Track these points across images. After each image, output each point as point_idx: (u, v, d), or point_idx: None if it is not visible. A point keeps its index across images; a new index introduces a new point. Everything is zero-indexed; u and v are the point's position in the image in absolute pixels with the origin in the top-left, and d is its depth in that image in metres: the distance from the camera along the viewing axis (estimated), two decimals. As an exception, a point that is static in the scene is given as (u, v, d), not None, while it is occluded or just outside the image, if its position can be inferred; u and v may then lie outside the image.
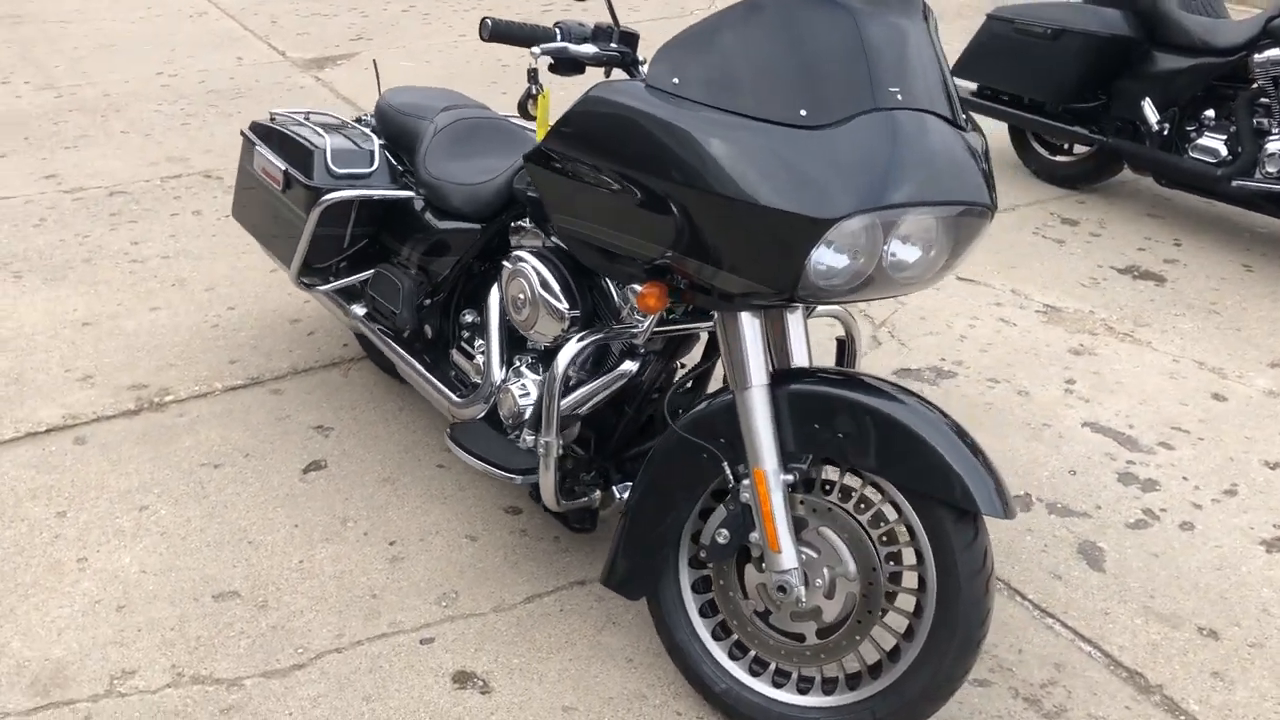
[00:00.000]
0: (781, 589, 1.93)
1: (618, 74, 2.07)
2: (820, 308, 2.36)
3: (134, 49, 6.45)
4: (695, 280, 1.93)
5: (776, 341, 2.09)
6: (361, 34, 6.88)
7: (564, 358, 2.08)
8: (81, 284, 3.72)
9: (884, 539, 1.98)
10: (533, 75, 2.06)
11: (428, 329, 2.71)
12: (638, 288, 2.04)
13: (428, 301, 2.69)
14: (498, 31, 2.07)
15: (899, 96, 1.80)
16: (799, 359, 2.09)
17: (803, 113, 1.74)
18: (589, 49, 2.02)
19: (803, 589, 1.93)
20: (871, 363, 3.31)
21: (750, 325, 1.96)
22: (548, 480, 2.14)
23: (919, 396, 1.96)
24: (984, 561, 1.90)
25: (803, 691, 2.06)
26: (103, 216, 4.26)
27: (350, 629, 2.32)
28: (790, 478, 1.94)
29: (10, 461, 2.82)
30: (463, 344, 2.66)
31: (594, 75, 2.10)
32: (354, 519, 2.64)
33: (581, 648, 2.28)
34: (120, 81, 5.88)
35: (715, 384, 2.31)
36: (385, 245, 2.89)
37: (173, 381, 3.18)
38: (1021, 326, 3.59)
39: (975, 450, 1.90)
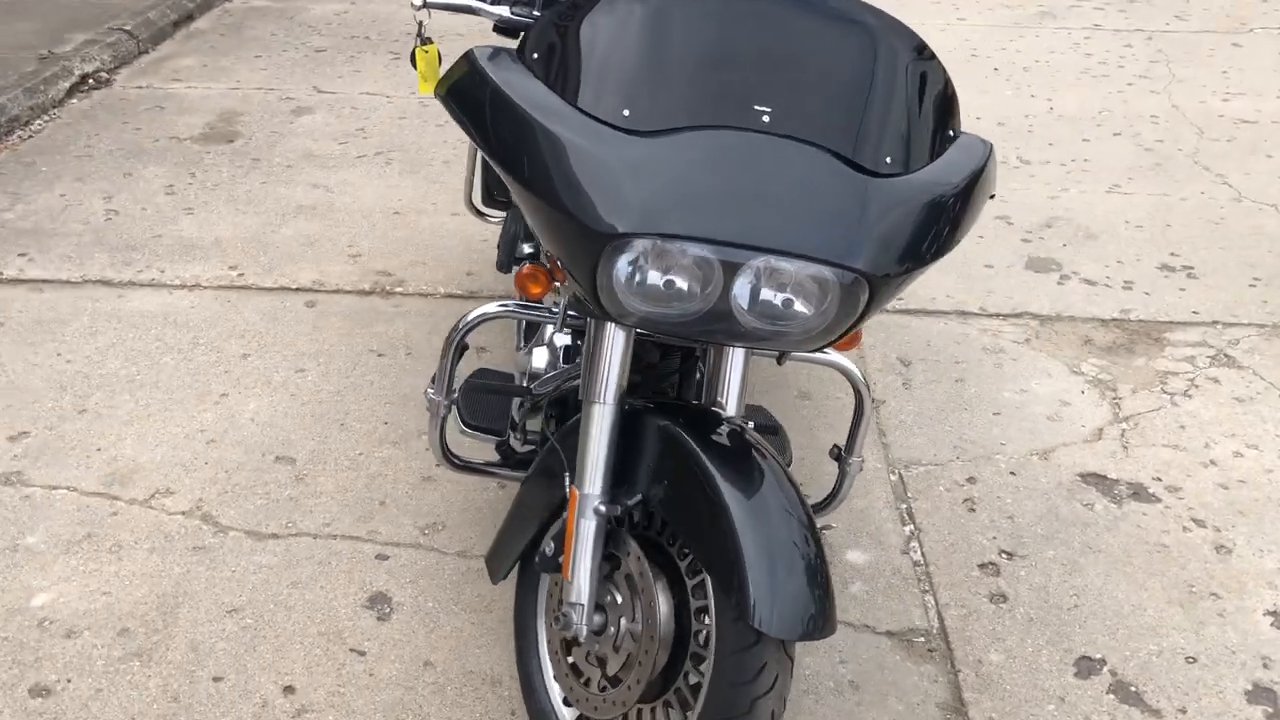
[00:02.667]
0: (559, 620, 1.79)
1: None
2: (816, 356, 2.08)
3: None
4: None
5: (710, 378, 1.90)
6: (861, 3, 6.79)
7: (462, 320, 2.06)
8: (424, 181, 4.23)
9: (699, 612, 1.75)
10: (420, 28, 2.02)
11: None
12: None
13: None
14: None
15: (764, 118, 1.54)
16: (723, 400, 1.88)
17: (625, 113, 1.55)
18: (499, 9, 1.93)
19: (583, 628, 1.77)
20: (1068, 456, 2.78)
21: (615, 340, 1.79)
22: (432, 436, 2.14)
23: (782, 475, 1.69)
24: (756, 676, 1.62)
25: (582, 727, 1.90)
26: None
27: (339, 523, 2.51)
28: (615, 509, 1.77)
29: (251, 306, 3.37)
30: None
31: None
32: (425, 436, 2.81)
33: (492, 619, 2.27)
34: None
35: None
36: None
37: (412, 276, 3.55)
38: (1319, 475, 2.78)
39: (794, 555, 1.60)
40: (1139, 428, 2.90)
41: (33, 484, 2.60)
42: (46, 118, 4.71)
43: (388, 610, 2.28)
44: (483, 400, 2.32)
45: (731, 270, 1.54)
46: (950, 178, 1.66)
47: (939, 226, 1.62)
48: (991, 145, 1.79)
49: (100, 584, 2.32)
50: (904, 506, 2.60)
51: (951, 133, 1.74)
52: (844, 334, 1.65)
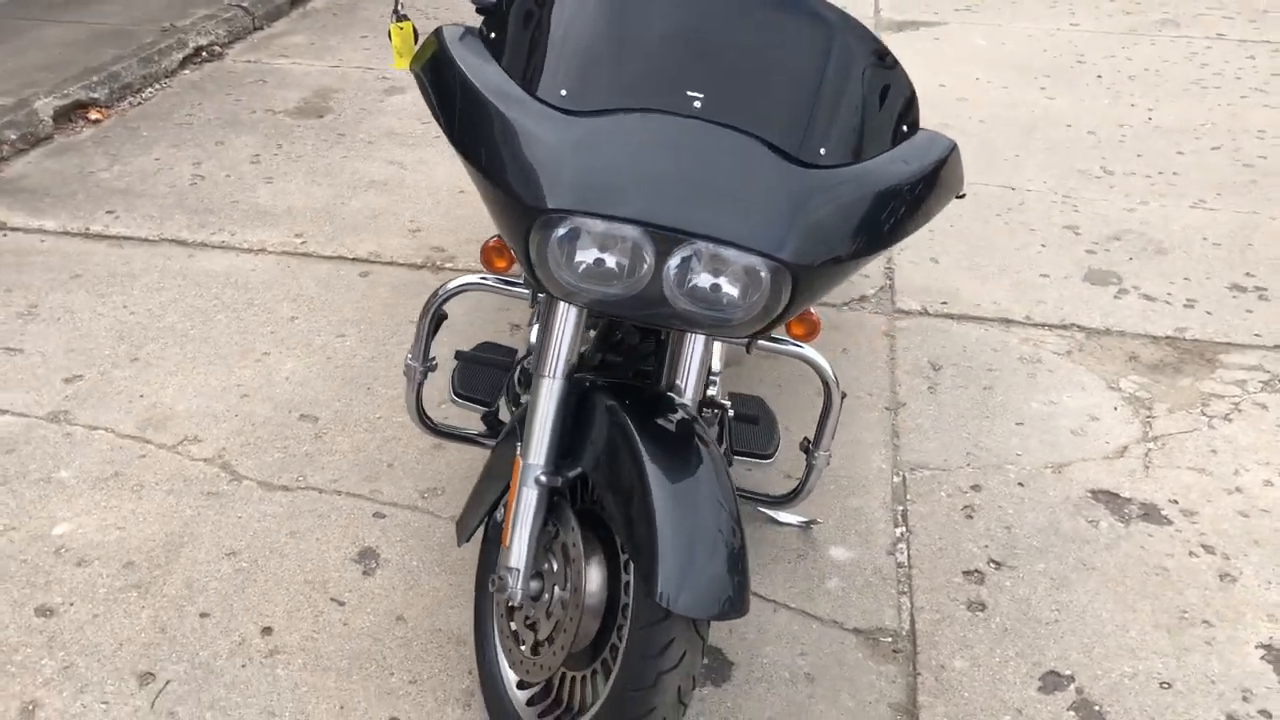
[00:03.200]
0: (494, 582, 1.85)
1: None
2: (786, 349, 2.09)
3: None
4: None
5: (670, 362, 1.94)
6: (972, 5, 6.66)
7: (439, 290, 2.12)
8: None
9: (628, 586, 1.79)
10: (397, 4, 2.08)
11: None
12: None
13: None
14: None
15: (696, 104, 1.57)
16: (682, 384, 1.92)
17: (563, 93, 1.60)
18: None
19: (518, 593, 1.82)
20: (1084, 471, 2.71)
21: (566, 317, 1.84)
22: (409, 400, 2.22)
23: (715, 463, 1.72)
24: (663, 651, 1.65)
25: (521, 687, 1.96)
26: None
27: (346, 480, 2.62)
28: (555, 480, 1.82)
29: (308, 272, 3.52)
30: None
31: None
32: (447, 407, 2.90)
33: (469, 581, 2.35)
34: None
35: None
36: None
37: (464, 253, 3.66)
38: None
39: (711, 539, 1.63)
40: (1166, 448, 2.81)
41: (76, 423, 2.79)
42: (158, 86, 4.99)
43: (374, 565, 2.38)
44: (477, 371, 2.39)
45: (662, 254, 1.58)
46: (891, 173, 1.66)
47: (872, 221, 1.62)
48: (953, 144, 1.78)
49: (117, 519, 2.48)
50: (900, 508, 2.58)
51: (905, 128, 1.73)
52: (775, 322, 1.66)
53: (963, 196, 2.07)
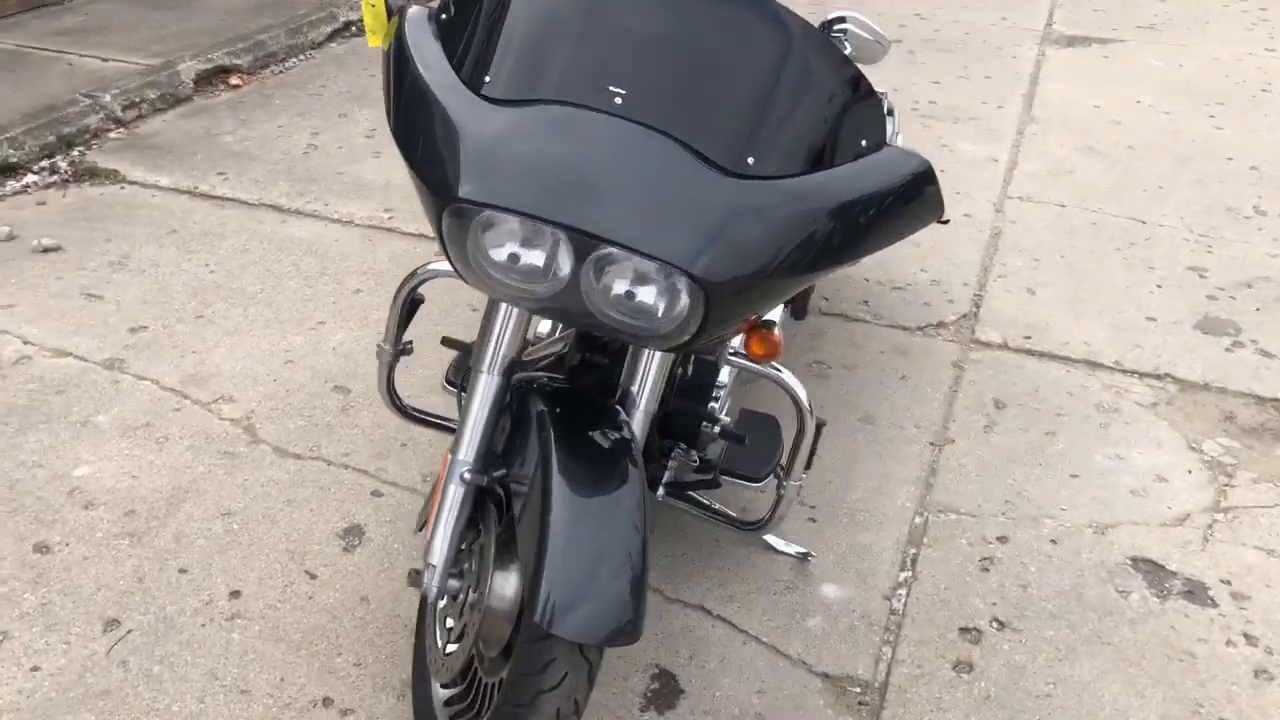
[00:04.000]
0: (412, 575, 1.81)
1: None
2: (760, 370, 1.97)
3: None
4: None
5: (629, 370, 1.86)
6: (1156, 23, 6.21)
7: (413, 275, 2.08)
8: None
9: None
10: None
11: None
12: None
13: None
14: None
15: (617, 100, 1.48)
16: (637, 394, 1.83)
17: (487, 79, 1.54)
18: None
19: (433, 589, 1.77)
20: (1131, 536, 2.46)
21: (509, 313, 1.77)
22: (380, 383, 2.20)
23: (632, 485, 1.63)
24: (543, 670, 1.58)
25: (444, 685, 1.92)
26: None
27: (356, 455, 2.64)
28: (480, 479, 1.77)
29: (387, 248, 3.58)
30: None
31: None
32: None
33: (444, 570, 2.32)
34: (873, 12, 6.18)
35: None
36: None
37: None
38: None
39: (608, 561, 1.55)
40: (1236, 522, 2.52)
41: (127, 372, 2.91)
42: (302, 57, 5.18)
43: (356, 543, 2.38)
44: (465, 360, 2.36)
45: (580, 255, 1.50)
46: (832, 189, 1.52)
47: (804, 238, 1.50)
48: (924, 163, 1.62)
49: (134, 468, 2.57)
50: (912, 551, 2.40)
51: (864, 143, 1.59)
52: (699, 336, 1.55)
53: (945, 222, 1.91)
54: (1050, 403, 2.92)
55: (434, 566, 1.77)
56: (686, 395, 2.15)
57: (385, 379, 2.18)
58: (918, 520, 2.50)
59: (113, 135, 4.28)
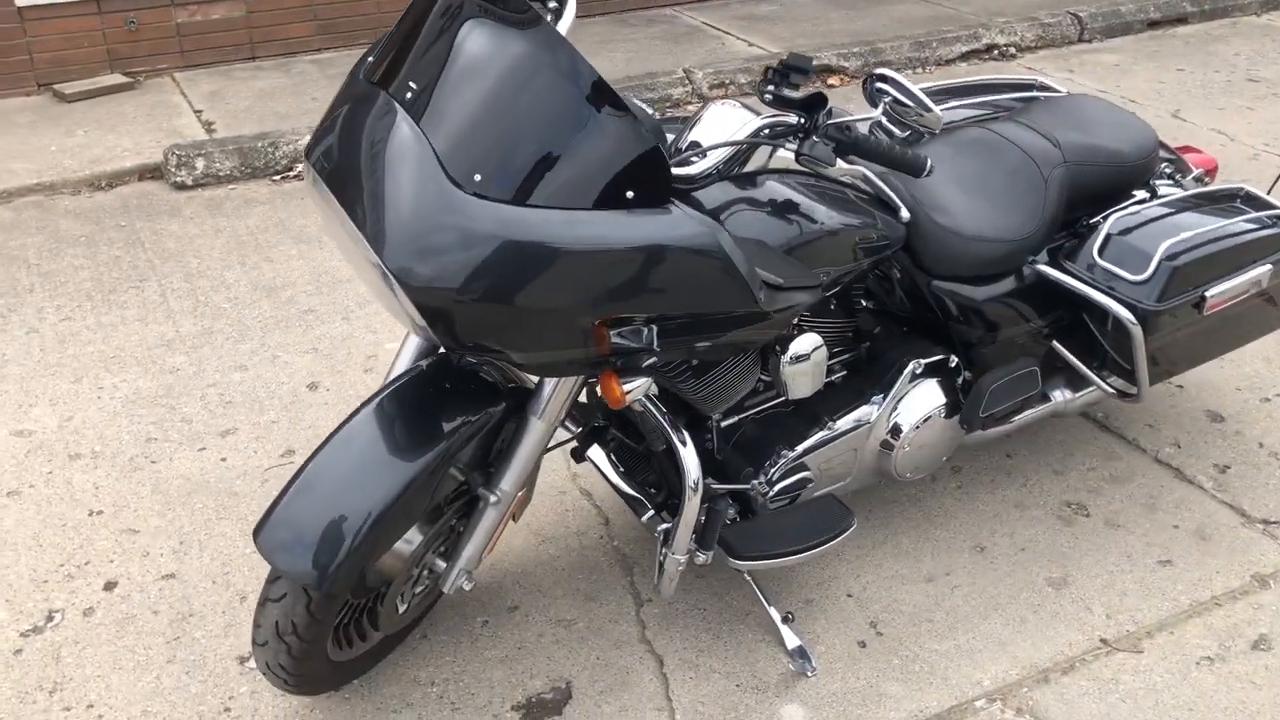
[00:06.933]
0: None
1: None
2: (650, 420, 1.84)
3: None
4: None
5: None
6: None
7: None
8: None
9: None
10: None
11: None
12: None
13: None
14: None
15: (408, 94, 1.57)
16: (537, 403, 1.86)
17: (369, 60, 1.70)
18: None
19: None
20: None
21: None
22: None
23: (426, 453, 1.74)
24: (273, 582, 1.77)
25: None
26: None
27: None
28: None
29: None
30: None
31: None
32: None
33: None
34: None
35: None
36: None
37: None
38: None
39: (335, 516, 1.70)
40: None
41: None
42: (919, 71, 5.21)
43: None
44: None
45: None
46: (556, 229, 1.46)
47: (518, 268, 1.46)
48: (711, 233, 1.47)
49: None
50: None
51: (631, 195, 1.47)
52: (460, 340, 1.56)
53: (762, 311, 1.59)
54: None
55: None
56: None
57: None
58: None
59: (690, 108, 4.81)
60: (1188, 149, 2.62)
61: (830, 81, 5.04)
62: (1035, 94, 2.58)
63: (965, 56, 5.32)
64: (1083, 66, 5.23)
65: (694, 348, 1.73)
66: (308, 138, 1.87)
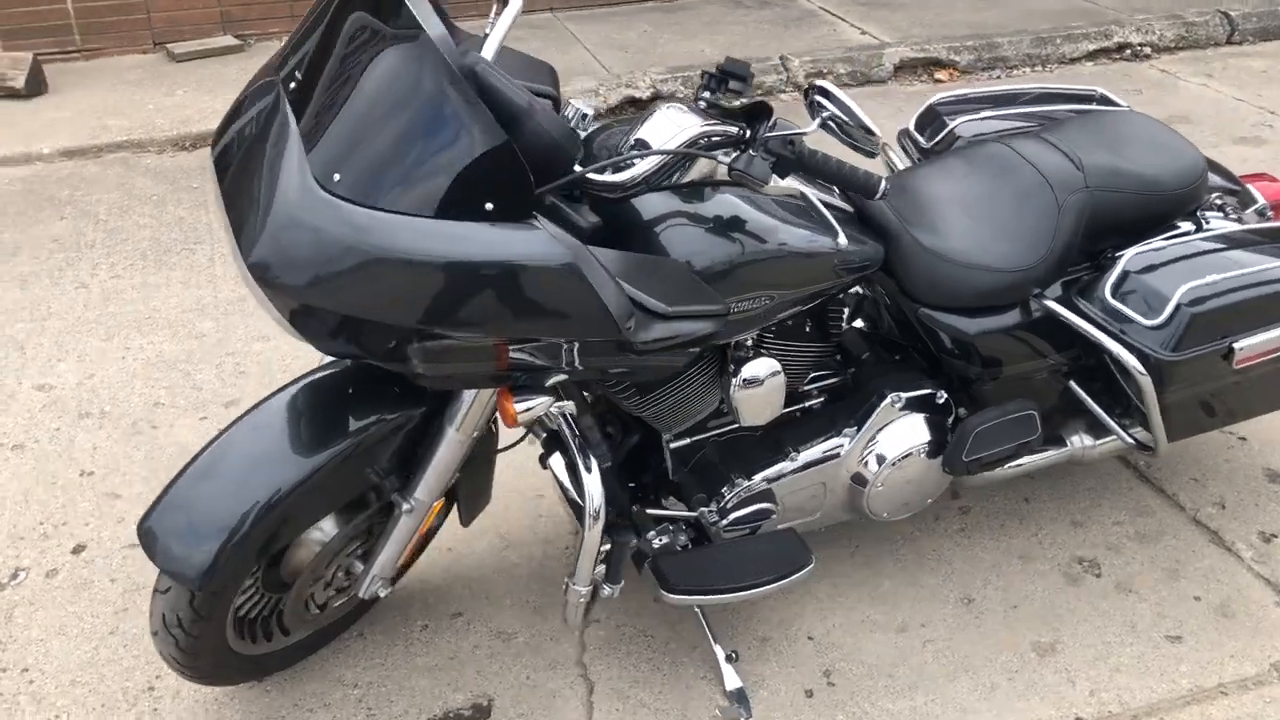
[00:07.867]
0: None
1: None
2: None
3: None
4: None
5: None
6: None
7: None
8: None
9: None
10: None
11: None
12: None
13: None
14: None
15: (291, 84, 1.54)
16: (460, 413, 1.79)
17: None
18: None
19: None
20: None
21: None
22: None
23: (320, 450, 1.70)
24: (159, 577, 1.73)
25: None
26: None
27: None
28: None
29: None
30: None
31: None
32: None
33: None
34: None
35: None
36: None
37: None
38: None
39: (215, 512, 1.66)
40: None
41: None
42: (1038, 69, 4.88)
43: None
44: None
45: None
46: (399, 236, 1.38)
47: (356, 273, 1.39)
48: (568, 254, 1.37)
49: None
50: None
51: (490, 206, 1.36)
52: (322, 338, 1.50)
53: (635, 343, 1.45)
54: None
55: None
56: None
57: None
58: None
59: (784, 97, 4.63)
60: (1261, 177, 2.33)
61: (938, 76, 4.77)
62: (1090, 107, 2.34)
63: (1092, 55, 4.95)
64: (1224, 71, 4.80)
65: (607, 371, 1.62)
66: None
